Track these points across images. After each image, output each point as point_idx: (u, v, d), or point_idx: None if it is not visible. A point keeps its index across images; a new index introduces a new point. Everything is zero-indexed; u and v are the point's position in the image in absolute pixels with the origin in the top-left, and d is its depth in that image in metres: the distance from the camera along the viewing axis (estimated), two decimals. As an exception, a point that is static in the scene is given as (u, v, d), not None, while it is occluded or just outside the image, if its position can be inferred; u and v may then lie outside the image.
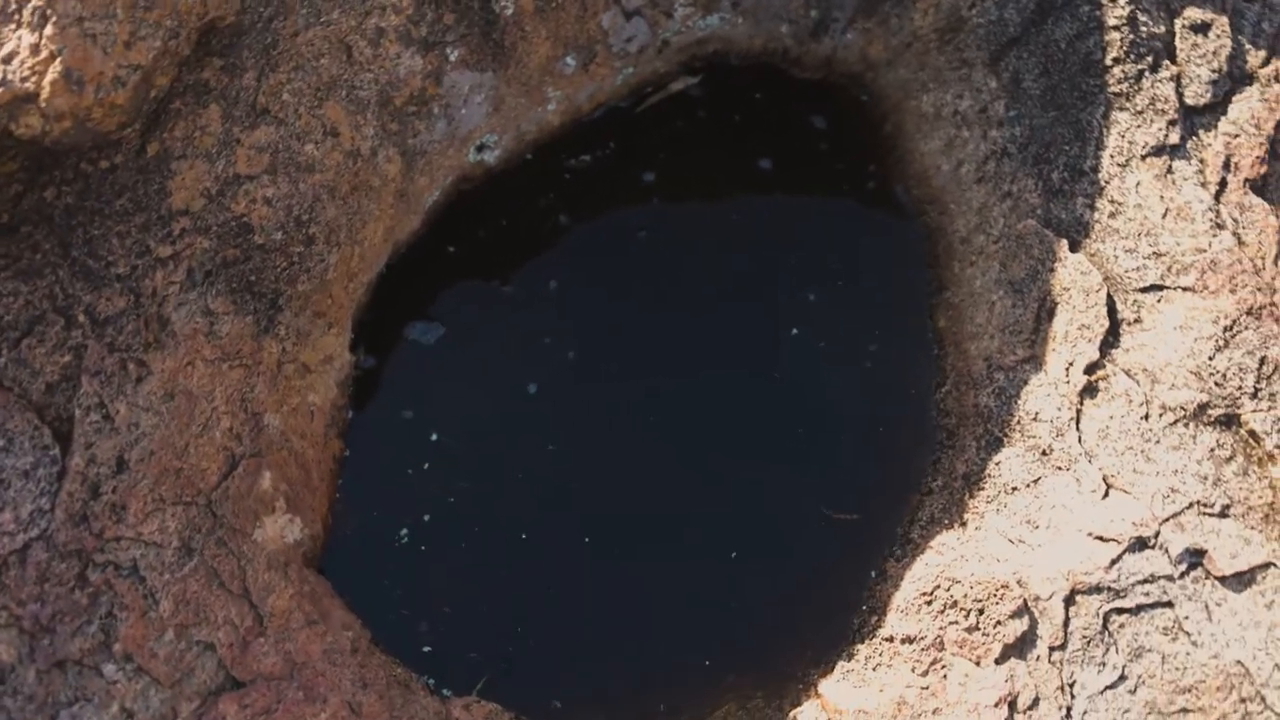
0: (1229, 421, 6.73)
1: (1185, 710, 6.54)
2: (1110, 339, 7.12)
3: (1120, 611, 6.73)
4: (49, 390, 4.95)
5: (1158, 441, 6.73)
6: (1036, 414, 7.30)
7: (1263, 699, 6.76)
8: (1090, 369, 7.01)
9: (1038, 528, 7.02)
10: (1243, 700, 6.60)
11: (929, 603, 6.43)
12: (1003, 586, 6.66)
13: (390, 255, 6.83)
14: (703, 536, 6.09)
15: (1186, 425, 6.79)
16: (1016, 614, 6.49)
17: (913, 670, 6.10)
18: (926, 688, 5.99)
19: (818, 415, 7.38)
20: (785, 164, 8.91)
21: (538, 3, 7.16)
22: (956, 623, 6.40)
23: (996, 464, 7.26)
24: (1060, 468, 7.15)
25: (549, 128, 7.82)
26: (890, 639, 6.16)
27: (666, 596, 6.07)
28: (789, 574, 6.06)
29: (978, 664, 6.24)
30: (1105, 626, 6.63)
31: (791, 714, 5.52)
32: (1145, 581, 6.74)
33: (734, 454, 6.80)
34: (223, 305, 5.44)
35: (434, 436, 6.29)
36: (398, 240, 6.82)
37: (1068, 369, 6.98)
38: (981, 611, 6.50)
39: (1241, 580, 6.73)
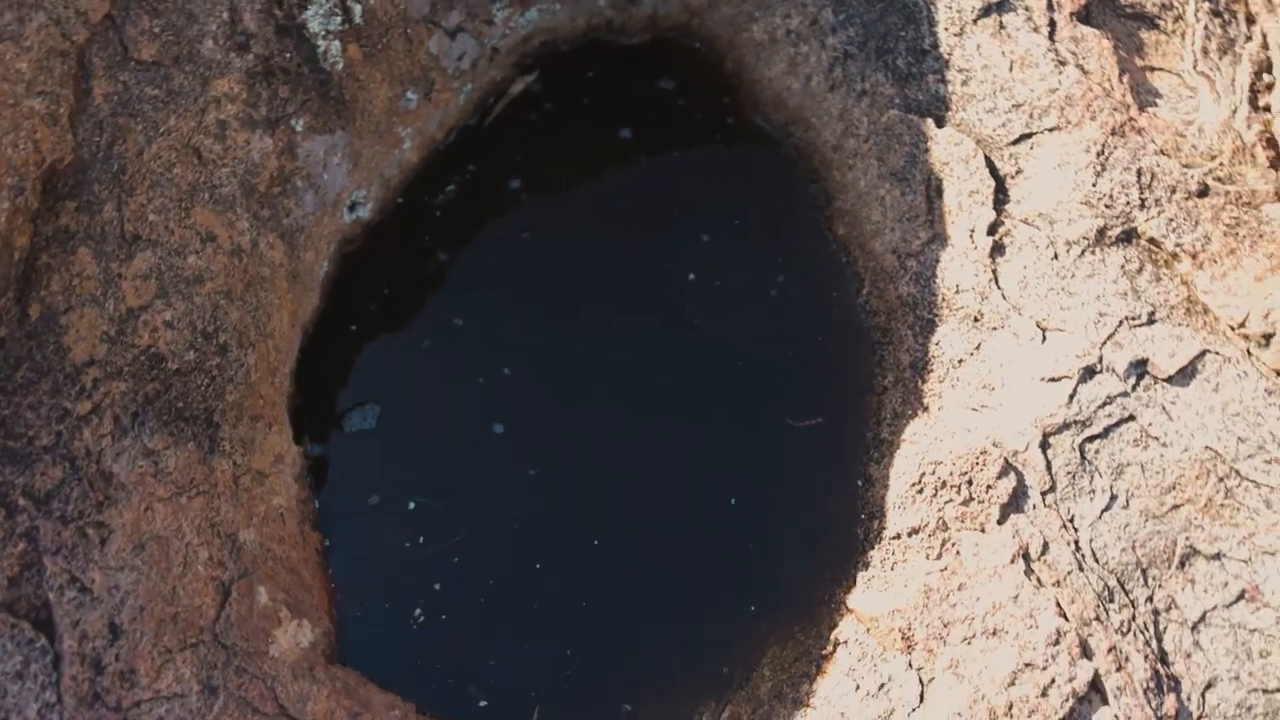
0: (1129, 236, 7.08)
1: (1176, 506, 6.89)
2: (1000, 196, 7.41)
3: (1092, 439, 7.04)
4: (13, 584, 4.76)
5: (1073, 275, 7.04)
6: (957, 286, 7.55)
7: (1237, 472, 7.17)
8: (992, 229, 7.29)
9: (994, 389, 7.29)
10: (1221, 480, 6.98)
11: (920, 491, 6.63)
12: (981, 454, 6.90)
13: (301, 339, 6.70)
14: (697, 499, 6.17)
15: (1093, 252, 7.11)
16: (1002, 473, 6.74)
17: (927, 558, 6.30)
18: (945, 569, 6.20)
19: (753, 350, 7.53)
20: (645, 129, 8.99)
21: (364, 49, 7.07)
22: (951, 500, 6.62)
23: (936, 344, 7.50)
24: (995, 328, 7.43)
25: (410, 167, 7.74)
26: (897, 536, 6.35)
27: (686, 569, 6.14)
28: (785, 509, 6.19)
29: (983, 531, 6.47)
30: (1083, 457, 6.93)
31: (832, 637, 5.65)
32: (1104, 404, 7.06)
33: (692, 409, 6.89)
34: (161, 441, 5.29)
35: (411, 505, 6.23)
36: (304, 321, 6.69)
37: (971, 235, 7.24)
38: (970, 483, 6.73)
39: (1186, 374, 7.11)
